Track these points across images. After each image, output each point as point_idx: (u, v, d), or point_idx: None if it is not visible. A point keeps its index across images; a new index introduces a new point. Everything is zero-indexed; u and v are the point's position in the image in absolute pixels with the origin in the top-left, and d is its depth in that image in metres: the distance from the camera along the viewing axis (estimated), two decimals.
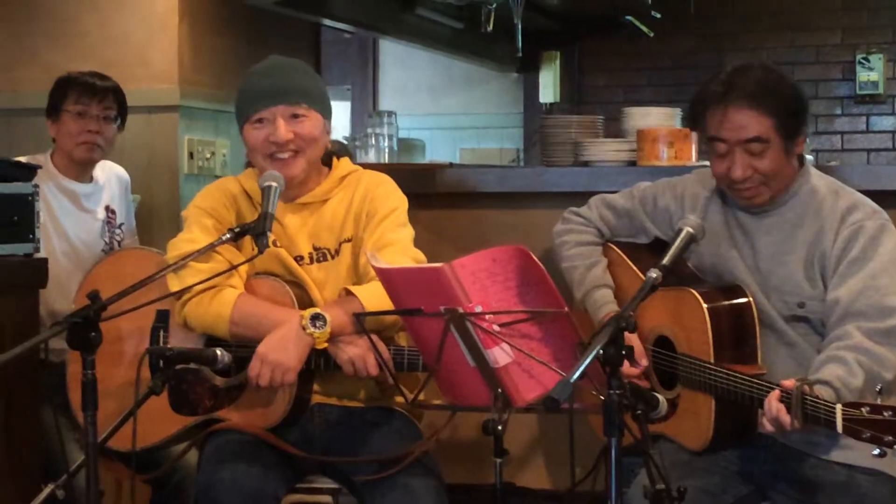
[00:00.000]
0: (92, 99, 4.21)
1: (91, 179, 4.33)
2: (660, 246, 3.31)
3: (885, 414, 2.63)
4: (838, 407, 2.70)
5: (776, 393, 2.87)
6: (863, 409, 2.66)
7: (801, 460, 3.14)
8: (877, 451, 2.64)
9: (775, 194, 3.21)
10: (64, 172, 4.23)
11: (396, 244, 3.36)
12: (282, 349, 3.21)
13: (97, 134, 4.20)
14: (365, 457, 3.32)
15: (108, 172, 4.45)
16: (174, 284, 3.29)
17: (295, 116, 3.36)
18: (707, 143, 3.22)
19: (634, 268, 3.41)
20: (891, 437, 2.61)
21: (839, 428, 2.70)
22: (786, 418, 2.83)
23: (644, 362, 3.29)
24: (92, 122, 4.20)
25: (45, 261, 3.77)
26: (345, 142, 6.16)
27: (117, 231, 4.38)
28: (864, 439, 2.65)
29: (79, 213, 4.23)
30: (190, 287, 3.26)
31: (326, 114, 3.44)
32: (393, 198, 3.46)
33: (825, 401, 2.76)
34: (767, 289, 3.21)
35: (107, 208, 4.37)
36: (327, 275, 3.41)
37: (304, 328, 3.21)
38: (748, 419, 3.05)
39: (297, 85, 3.41)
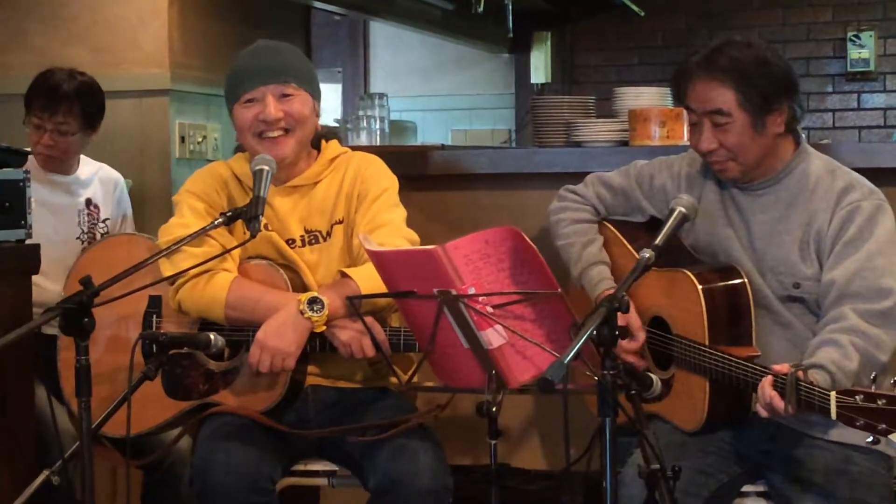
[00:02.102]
0: (45, 112, 4.22)
1: (70, 173, 4.34)
2: (655, 225, 3.31)
3: (879, 402, 2.62)
4: (832, 394, 2.70)
5: (769, 379, 2.87)
6: (857, 397, 2.65)
7: (796, 439, 3.15)
8: (870, 439, 2.64)
9: (750, 170, 3.21)
10: (42, 165, 4.25)
11: (389, 224, 3.36)
12: (281, 335, 3.21)
13: (51, 147, 4.23)
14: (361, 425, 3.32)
15: (96, 171, 4.48)
16: (167, 269, 3.29)
17: (285, 95, 3.36)
18: (686, 113, 3.26)
19: (630, 247, 3.41)
20: (884, 426, 2.61)
21: (833, 415, 2.69)
22: (780, 404, 2.82)
23: (641, 335, 3.28)
24: (46, 136, 4.22)
25: (37, 247, 3.76)
26: (336, 124, 6.15)
27: (100, 225, 4.40)
28: (858, 427, 2.65)
29: (53, 201, 4.22)
30: (184, 271, 3.26)
31: (315, 94, 3.44)
32: (384, 178, 3.46)
33: (819, 388, 2.75)
34: (763, 268, 3.21)
35: (88, 201, 4.39)
36: (320, 257, 3.41)
37: (301, 312, 3.21)
38: (742, 401, 3.05)
39: (287, 64, 3.41)
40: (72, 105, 4.22)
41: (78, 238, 4.32)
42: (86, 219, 4.36)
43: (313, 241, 3.42)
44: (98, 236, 4.36)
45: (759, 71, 3.15)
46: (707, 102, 3.16)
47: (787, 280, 3.18)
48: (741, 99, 3.13)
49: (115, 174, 4.53)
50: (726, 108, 3.14)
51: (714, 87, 3.15)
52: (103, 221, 4.41)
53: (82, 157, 4.46)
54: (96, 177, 4.45)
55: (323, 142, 3.51)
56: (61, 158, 4.27)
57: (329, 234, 3.42)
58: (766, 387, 2.87)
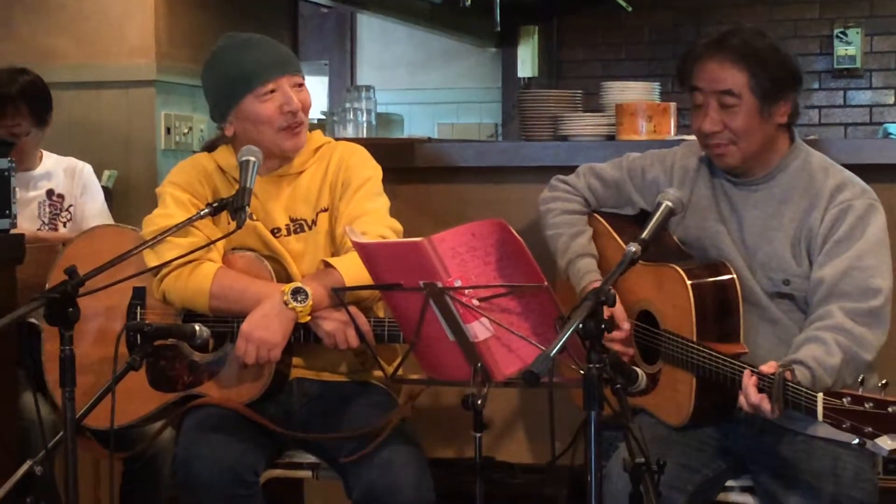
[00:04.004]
0: None
1: (31, 169, 4.38)
2: (645, 218, 3.29)
3: (866, 405, 2.61)
4: (819, 396, 2.69)
5: (754, 380, 2.86)
6: (844, 400, 2.64)
7: (782, 436, 3.14)
8: (856, 441, 2.63)
9: (749, 158, 3.19)
10: None
11: (372, 213, 3.36)
12: (266, 326, 3.20)
13: None
14: (344, 432, 3.31)
15: (59, 162, 4.52)
16: (151, 260, 3.28)
17: (298, 85, 3.37)
18: (689, 95, 3.24)
19: (619, 239, 3.40)
20: (870, 429, 2.60)
21: (820, 417, 2.69)
22: (767, 406, 2.82)
23: (626, 325, 3.27)
24: None
25: (22, 237, 3.76)
26: (323, 117, 6.15)
27: (63, 213, 4.42)
28: (844, 429, 2.64)
29: None
30: (169, 262, 3.25)
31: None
32: (367, 167, 3.46)
33: (806, 389, 2.75)
34: (753, 264, 3.21)
35: (49, 192, 4.43)
36: (306, 245, 3.40)
37: (286, 303, 3.20)
38: (728, 398, 3.04)
39: (291, 55, 3.44)
40: (19, 107, 4.29)
41: (39, 230, 4.37)
42: (47, 210, 4.39)
43: (298, 229, 3.41)
44: (61, 225, 4.39)
45: (771, 57, 3.16)
46: (717, 82, 3.16)
47: (777, 276, 3.18)
48: (752, 82, 3.13)
49: (80, 163, 4.56)
50: (736, 90, 3.14)
51: (726, 68, 3.15)
52: (67, 209, 4.44)
53: (44, 152, 4.49)
54: (59, 168, 4.50)
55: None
56: (20, 158, 4.29)
57: (314, 222, 3.42)
58: (750, 388, 2.86)
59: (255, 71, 3.33)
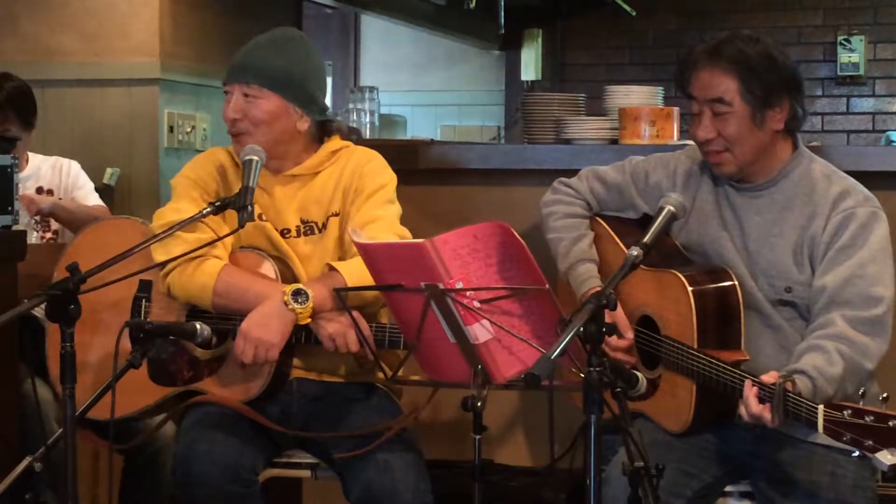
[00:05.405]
0: None
1: (19, 171, 4.41)
2: (648, 222, 3.29)
3: (867, 419, 2.61)
4: (820, 408, 2.69)
5: (755, 390, 2.85)
6: (845, 412, 2.64)
7: (782, 442, 3.14)
8: (856, 453, 2.63)
9: (745, 165, 3.19)
10: None
11: (382, 220, 3.35)
12: (264, 326, 3.20)
13: None
14: (343, 432, 3.31)
15: (46, 161, 4.58)
16: (159, 254, 3.28)
17: (246, 96, 3.33)
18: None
19: (620, 243, 3.40)
20: (871, 442, 2.60)
21: (820, 428, 2.69)
22: (767, 416, 2.83)
23: (630, 334, 3.27)
24: None
25: (23, 233, 3.77)
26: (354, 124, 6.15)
27: None
28: (845, 442, 2.64)
29: None
30: (175, 257, 3.25)
31: (295, 97, 3.38)
32: (382, 174, 3.44)
33: (807, 400, 2.75)
34: (755, 271, 3.20)
35: (39, 189, 4.50)
36: (314, 248, 3.40)
37: (286, 304, 3.20)
38: (728, 405, 3.04)
39: (258, 64, 3.34)
40: (7, 113, 4.35)
41: (33, 228, 4.41)
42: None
43: (308, 231, 3.41)
44: (53, 221, 4.47)
45: (764, 65, 3.15)
46: (709, 90, 3.16)
47: (778, 284, 3.18)
48: (743, 90, 3.13)
49: (66, 160, 4.62)
50: (728, 98, 3.14)
51: (717, 76, 3.15)
52: None
53: (30, 154, 4.54)
54: (46, 165, 4.55)
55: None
56: None
57: (325, 225, 3.41)
58: (751, 398, 2.86)
59: (227, 70, 3.38)
